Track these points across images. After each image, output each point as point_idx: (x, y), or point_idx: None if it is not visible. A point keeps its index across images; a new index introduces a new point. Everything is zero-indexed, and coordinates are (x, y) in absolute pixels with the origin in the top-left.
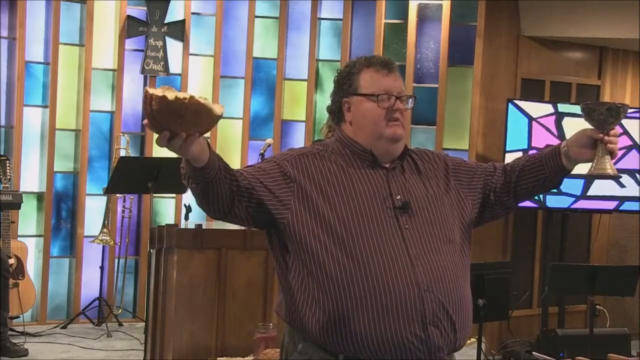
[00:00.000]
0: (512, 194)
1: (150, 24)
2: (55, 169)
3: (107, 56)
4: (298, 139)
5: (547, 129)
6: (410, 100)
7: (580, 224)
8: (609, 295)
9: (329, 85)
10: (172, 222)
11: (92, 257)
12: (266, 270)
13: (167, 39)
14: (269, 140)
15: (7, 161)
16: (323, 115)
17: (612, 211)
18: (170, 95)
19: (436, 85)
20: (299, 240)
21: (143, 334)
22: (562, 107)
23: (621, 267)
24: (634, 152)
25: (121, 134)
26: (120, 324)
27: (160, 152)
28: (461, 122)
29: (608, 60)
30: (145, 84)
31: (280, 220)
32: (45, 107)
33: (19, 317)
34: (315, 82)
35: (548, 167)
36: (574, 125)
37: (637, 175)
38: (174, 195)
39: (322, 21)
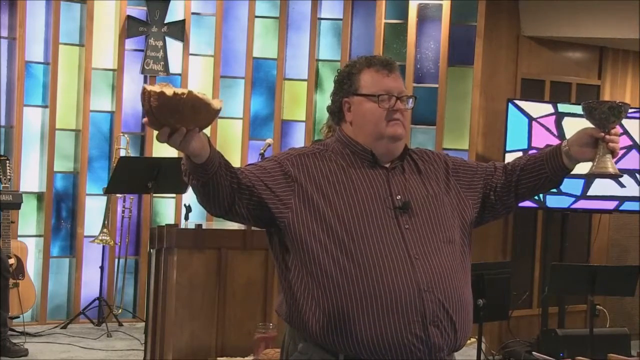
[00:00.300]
0: (512, 194)
1: (150, 24)
2: (55, 169)
3: (107, 56)
4: (298, 139)
5: (547, 129)
6: (411, 100)
7: (580, 224)
8: (609, 295)
9: (329, 85)
10: (172, 222)
11: (92, 257)
12: (266, 270)
13: (167, 39)
14: (269, 140)
15: (7, 161)
16: (323, 115)
17: (612, 211)
18: (168, 91)
19: (436, 85)
20: (299, 240)
21: (143, 334)
22: (562, 107)
23: (621, 267)
24: (634, 152)
25: (121, 134)
26: (120, 324)
27: (160, 152)
28: (461, 122)
29: (608, 60)
30: (144, 84)
31: (280, 219)
32: (45, 107)
33: (19, 317)
34: (315, 82)
35: (549, 167)
36: (574, 125)
37: (637, 175)
38: (174, 195)
39: (322, 21)
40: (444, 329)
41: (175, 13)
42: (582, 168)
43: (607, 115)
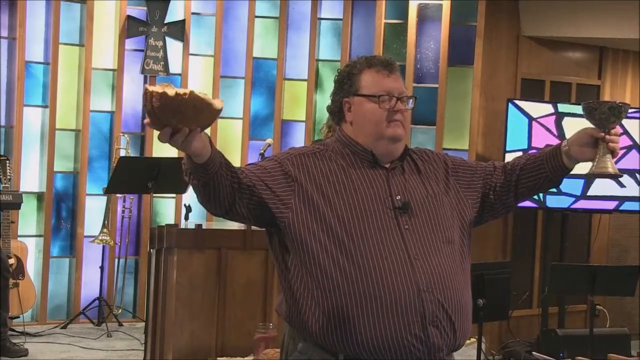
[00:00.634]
0: (512, 193)
1: (150, 24)
2: (55, 169)
3: (107, 56)
4: (298, 139)
5: (547, 129)
6: (411, 100)
7: (580, 224)
8: (609, 295)
9: (329, 85)
10: (172, 222)
11: (92, 257)
12: (266, 270)
13: (167, 39)
14: (269, 140)
15: (7, 161)
16: (323, 115)
17: (612, 211)
18: (170, 91)
19: (436, 85)
20: (299, 240)
21: (143, 334)
22: (562, 107)
23: (621, 267)
24: (634, 152)
25: (121, 134)
26: (120, 324)
27: (160, 152)
28: (461, 122)
29: (608, 60)
30: (145, 84)
31: (280, 219)
32: (45, 107)
33: (19, 317)
34: (315, 82)
35: (548, 166)
36: (574, 125)
37: (637, 175)
38: (174, 195)
39: (322, 21)
40: (443, 329)
41: (175, 13)
42: (582, 168)
43: (607, 116)
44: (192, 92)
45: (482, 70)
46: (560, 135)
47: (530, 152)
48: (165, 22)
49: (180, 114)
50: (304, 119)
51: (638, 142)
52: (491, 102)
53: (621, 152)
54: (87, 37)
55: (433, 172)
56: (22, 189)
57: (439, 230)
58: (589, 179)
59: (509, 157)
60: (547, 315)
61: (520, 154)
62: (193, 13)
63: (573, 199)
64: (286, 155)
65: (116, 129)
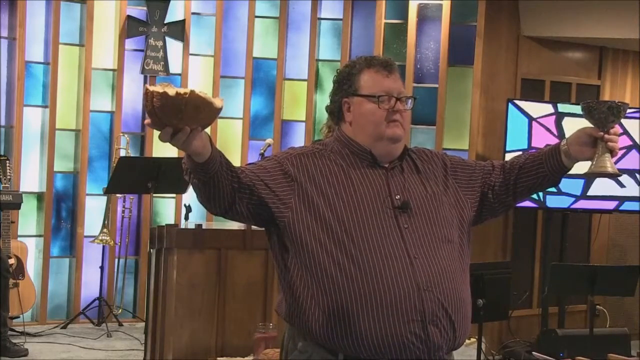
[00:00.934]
0: (510, 192)
1: (150, 24)
2: (55, 169)
3: (107, 56)
4: (298, 139)
5: (547, 129)
6: (410, 100)
7: (580, 224)
8: (609, 295)
9: (329, 85)
10: (172, 222)
11: (92, 257)
12: (266, 270)
13: (167, 39)
14: (269, 140)
15: (7, 161)
16: (323, 115)
17: (612, 211)
18: (171, 91)
19: (436, 85)
20: (299, 240)
21: (143, 334)
22: (562, 107)
23: (621, 267)
24: (634, 152)
25: (121, 134)
26: (120, 324)
27: (160, 152)
28: (461, 122)
29: (608, 60)
30: (145, 84)
31: (280, 219)
32: (45, 107)
33: (19, 317)
34: (315, 82)
35: (547, 165)
36: (574, 125)
37: (637, 175)
38: (174, 195)
39: (322, 21)
40: (443, 328)
41: (175, 13)
42: (582, 167)
43: (606, 115)
44: (192, 92)
45: (482, 70)
46: (560, 135)
47: (530, 151)
48: (165, 22)
49: (181, 114)
50: (303, 119)
51: (638, 142)
52: (491, 102)
53: (621, 152)
54: (87, 37)
55: (432, 171)
56: (22, 189)
57: (438, 229)
58: (588, 178)
59: (508, 157)
60: (547, 315)
61: (520, 154)
62: (193, 13)
63: (573, 199)
64: (286, 155)
65: (116, 129)
